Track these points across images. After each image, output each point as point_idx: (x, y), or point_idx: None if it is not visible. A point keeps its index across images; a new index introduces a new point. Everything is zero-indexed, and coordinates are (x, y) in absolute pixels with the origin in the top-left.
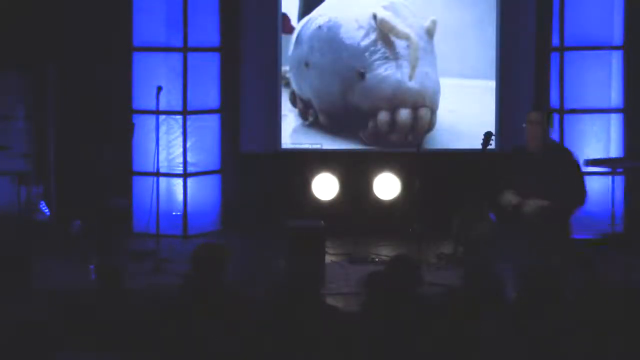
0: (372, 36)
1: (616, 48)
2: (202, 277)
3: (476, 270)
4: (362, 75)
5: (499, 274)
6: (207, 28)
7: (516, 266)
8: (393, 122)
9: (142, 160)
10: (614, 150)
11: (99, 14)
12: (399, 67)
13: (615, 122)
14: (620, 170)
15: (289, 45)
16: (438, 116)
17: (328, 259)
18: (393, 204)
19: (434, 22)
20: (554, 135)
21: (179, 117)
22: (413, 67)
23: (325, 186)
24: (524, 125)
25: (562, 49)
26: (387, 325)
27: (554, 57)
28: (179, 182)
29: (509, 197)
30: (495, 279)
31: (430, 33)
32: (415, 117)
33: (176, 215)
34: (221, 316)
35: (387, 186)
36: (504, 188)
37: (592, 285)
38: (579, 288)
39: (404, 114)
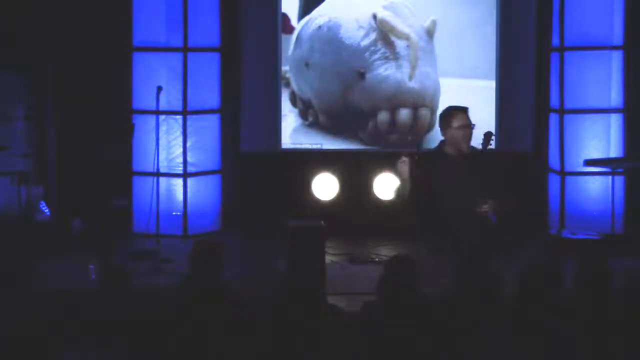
0: (372, 36)
1: (616, 48)
2: (201, 274)
3: (475, 270)
4: (362, 75)
5: (498, 274)
6: (207, 28)
7: (516, 265)
8: (393, 122)
9: (142, 160)
10: (614, 150)
11: (99, 14)
12: (399, 67)
13: (615, 122)
14: (620, 170)
15: (289, 45)
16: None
17: (328, 259)
18: (393, 204)
19: (434, 22)
20: (554, 135)
21: (179, 117)
22: (413, 67)
23: (325, 186)
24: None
25: (562, 49)
26: (387, 326)
27: (554, 57)
28: (179, 182)
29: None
30: (494, 279)
31: (430, 33)
32: (415, 117)
33: (176, 215)
34: (221, 316)
35: (387, 186)
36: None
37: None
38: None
39: (404, 114)
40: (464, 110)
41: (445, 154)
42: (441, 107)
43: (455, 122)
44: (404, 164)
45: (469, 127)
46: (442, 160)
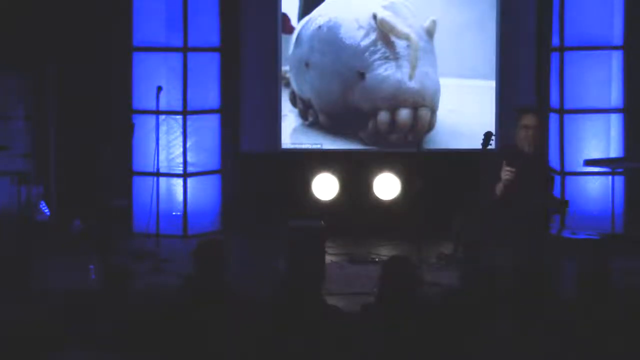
0: (372, 36)
1: (616, 48)
2: (203, 272)
3: (474, 271)
4: (362, 75)
5: (497, 274)
6: (207, 28)
7: (514, 264)
8: (393, 122)
9: (142, 160)
10: (614, 150)
11: (98, 14)
12: (399, 67)
13: (615, 122)
14: (620, 170)
15: (289, 45)
16: (438, 116)
17: (328, 259)
18: (393, 204)
19: (434, 22)
20: (555, 136)
21: (179, 117)
22: (413, 67)
23: (325, 186)
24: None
25: (562, 49)
26: (386, 326)
27: (554, 57)
28: (179, 182)
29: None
30: (494, 279)
31: (430, 33)
32: (415, 117)
33: (176, 215)
34: (221, 316)
35: (387, 186)
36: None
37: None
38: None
39: (404, 114)
40: (532, 111)
41: (512, 152)
42: (441, 107)
43: (521, 121)
44: (511, 173)
45: (532, 128)
46: (508, 157)
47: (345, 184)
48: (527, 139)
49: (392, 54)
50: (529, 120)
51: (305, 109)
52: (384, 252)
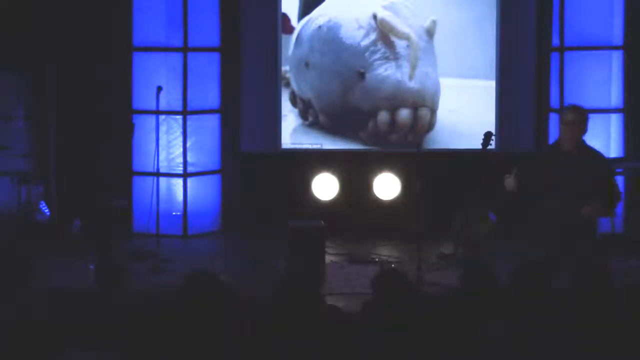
0: (372, 36)
1: (616, 48)
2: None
3: (475, 271)
4: (362, 75)
5: (498, 274)
6: (207, 28)
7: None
8: (393, 122)
9: (142, 160)
10: (614, 150)
11: (98, 14)
12: (399, 67)
13: (615, 122)
14: (620, 170)
15: (289, 45)
16: (438, 116)
17: (328, 259)
18: (393, 204)
19: (434, 22)
20: (554, 135)
21: (179, 117)
22: (413, 67)
23: (325, 186)
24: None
25: (562, 49)
26: (387, 326)
27: (554, 57)
28: (179, 182)
29: (510, 183)
30: (494, 279)
31: (430, 33)
32: (415, 117)
33: (176, 215)
34: (221, 316)
35: (387, 186)
36: (533, 190)
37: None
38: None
39: (404, 114)
40: (572, 108)
41: (556, 150)
42: (441, 107)
43: (562, 118)
44: (512, 180)
45: (571, 124)
46: (552, 155)
47: (345, 184)
48: (565, 134)
49: (392, 54)
50: (568, 116)
51: (305, 109)
52: (384, 252)
